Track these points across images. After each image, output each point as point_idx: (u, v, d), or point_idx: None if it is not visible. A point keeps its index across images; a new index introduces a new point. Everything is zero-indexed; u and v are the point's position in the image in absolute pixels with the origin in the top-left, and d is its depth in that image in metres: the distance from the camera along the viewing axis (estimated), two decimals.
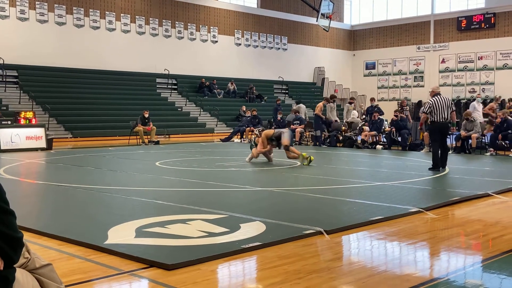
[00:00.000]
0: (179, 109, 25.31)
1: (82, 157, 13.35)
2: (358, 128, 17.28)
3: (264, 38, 31.55)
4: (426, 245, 4.57)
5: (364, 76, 35.46)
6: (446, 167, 10.21)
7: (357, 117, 18.60)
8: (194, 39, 28.19)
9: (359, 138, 17.00)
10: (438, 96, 10.12)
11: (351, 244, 4.71)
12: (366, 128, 16.94)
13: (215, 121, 25.35)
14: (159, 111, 23.95)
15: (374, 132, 16.42)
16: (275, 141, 11.75)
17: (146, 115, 18.89)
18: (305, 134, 19.05)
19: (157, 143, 18.40)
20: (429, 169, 10.07)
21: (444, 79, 32.19)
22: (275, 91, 31.68)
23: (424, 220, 5.61)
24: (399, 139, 15.95)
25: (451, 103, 10.07)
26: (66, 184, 8.01)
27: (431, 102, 10.02)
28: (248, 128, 19.63)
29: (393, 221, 5.49)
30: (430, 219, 5.66)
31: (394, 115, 16.33)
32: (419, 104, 30.29)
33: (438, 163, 10.00)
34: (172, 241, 4.46)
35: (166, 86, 26.73)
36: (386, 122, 17.05)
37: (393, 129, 15.92)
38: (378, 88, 34.68)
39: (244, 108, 24.32)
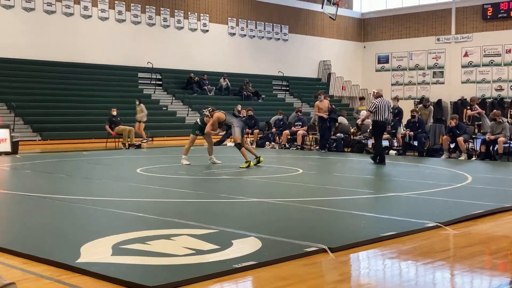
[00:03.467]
0: (164, 108, 25.33)
1: (52, 162, 13.33)
2: (368, 131, 17.32)
3: (262, 27, 31.64)
4: (445, 265, 4.59)
5: (376, 71, 35.58)
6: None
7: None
8: (182, 28, 28.25)
9: (369, 142, 17.04)
10: (381, 98, 12.88)
11: (360, 263, 4.72)
12: None
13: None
14: None
15: (387, 136, 16.46)
16: (225, 127, 12.08)
17: (114, 113, 18.90)
18: (308, 138, 19.09)
19: (138, 147, 18.41)
20: (375, 162, 12.77)
21: (467, 75, 32.32)
22: (274, 87, 31.73)
23: (443, 236, 5.62)
24: (415, 143, 16.00)
25: (390, 106, 13.19)
26: (33, 194, 8.01)
27: (377, 103, 12.67)
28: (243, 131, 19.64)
29: (408, 237, 5.51)
30: (449, 235, 5.68)
31: (411, 115, 16.38)
32: (439, 103, 30.32)
33: (384, 157, 12.93)
34: (154, 260, 4.46)
35: (149, 82, 26.75)
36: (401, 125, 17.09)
37: (409, 132, 15.96)
38: (392, 85, 34.79)
39: (238, 107, 24.28)
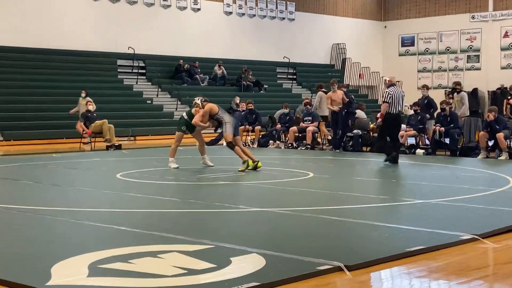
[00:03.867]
0: (148, 102, 25.35)
1: (17, 167, 13.34)
2: (376, 124, 17.32)
3: (264, 4, 31.65)
4: (483, 285, 4.59)
5: (400, 55, 35.56)
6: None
7: None
8: (169, 6, 28.27)
9: None
10: (394, 86, 13.44)
11: (382, 284, 4.72)
12: (402, 126, 16.96)
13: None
14: (121, 104, 23.96)
15: (413, 132, 16.46)
16: (216, 122, 12.17)
17: (90, 108, 18.86)
18: (319, 135, 19.07)
19: (118, 147, 18.42)
20: (386, 160, 13.22)
21: (507, 60, 32.30)
22: (278, 76, 31.71)
23: (480, 250, 5.62)
24: (447, 141, 16.00)
25: (403, 95, 13.49)
26: None
27: (391, 92, 13.10)
28: (243, 127, 19.67)
29: (439, 252, 5.51)
30: (488, 249, 5.68)
31: (441, 108, 16.39)
32: (475, 93, 30.33)
33: (392, 151, 13.27)
34: (139, 281, 4.46)
35: (130, 71, 26.74)
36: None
37: (439, 128, 15.96)
38: (419, 71, 34.79)
39: (237, 99, 24.29)
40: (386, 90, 13.67)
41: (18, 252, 5.46)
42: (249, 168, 11.82)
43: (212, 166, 12.61)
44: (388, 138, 13.66)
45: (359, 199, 8.76)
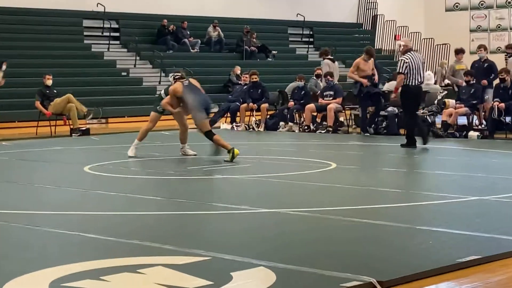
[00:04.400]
0: (123, 74, 25.35)
1: None
2: (436, 102, 17.27)
3: None
4: None
5: (447, 11, 35.41)
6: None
7: (434, 83, 18.59)
8: None
9: (438, 120, 16.98)
10: (411, 52, 13.88)
11: None
12: (451, 102, 16.92)
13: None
14: (88, 77, 23.91)
15: (464, 109, 16.41)
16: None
17: (49, 83, 18.89)
18: (343, 114, 19.03)
19: (85, 132, 18.44)
20: (402, 145, 13.61)
21: None
22: (291, 39, 31.63)
23: None
24: (507, 120, 15.94)
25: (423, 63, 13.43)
26: None
27: (406, 60, 13.55)
28: (245, 105, 19.66)
29: (498, 263, 5.50)
30: None
31: (500, 78, 16.31)
32: None
33: (414, 138, 13.60)
34: None
35: (100, 34, 26.70)
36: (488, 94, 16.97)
37: (498, 104, 15.90)
38: (471, 31, 34.64)
39: (237, 70, 24.30)
40: (401, 57, 14.04)
41: None
42: (236, 154, 11.79)
43: (195, 155, 12.62)
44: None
45: (395, 196, 8.76)
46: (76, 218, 7.49)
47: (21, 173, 11.29)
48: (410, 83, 13.59)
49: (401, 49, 14.26)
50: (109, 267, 5.28)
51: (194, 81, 12.57)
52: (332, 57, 19.97)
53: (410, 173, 11.15)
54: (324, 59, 19.93)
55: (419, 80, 13.76)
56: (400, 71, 13.74)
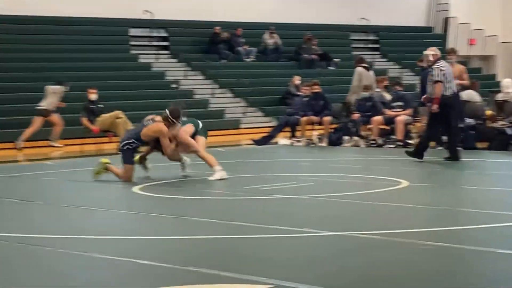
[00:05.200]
0: (173, 86, 25.49)
1: None
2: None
3: None
4: None
5: None
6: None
7: None
8: None
9: None
10: (442, 61, 14.43)
11: None
12: None
13: (242, 105, 25.39)
14: (135, 90, 24.09)
15: None
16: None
17: (93, 97, 19.10)
18: (414, 127, 18.86)
19: None
20: (408, 153, 14.66)
21: None
22: (354, 45, 31.56)
23: None
24: None
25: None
26: None
27: (443, 68, 14.02)
28: (306, 118, 19.61)
29: None
30: None
31: None
32: None
33: (424, 149, 14.53)
34: None
35: (148, 43, 26.93)
36: None
37: None
38: None
39: (296, 80, 24.29)
40: (434, 66, 14.16)
41: None
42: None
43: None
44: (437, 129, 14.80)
45: (474, 216, 8.64)
46: (126, 243, 7.51)
47: (65, 195, 11.39)
48: (445, 93, 13.99)
49: (430, 60, 14.40)
50: None
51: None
52: (367, 65, 19.94)
53: (491, 190, 10.95)
54: (357, 66, 19.93)
55: (453, 89, 14.24)
56: (438, 79, 13.99)
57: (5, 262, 6.73)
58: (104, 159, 12.42)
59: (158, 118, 12.21)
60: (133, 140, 12.12)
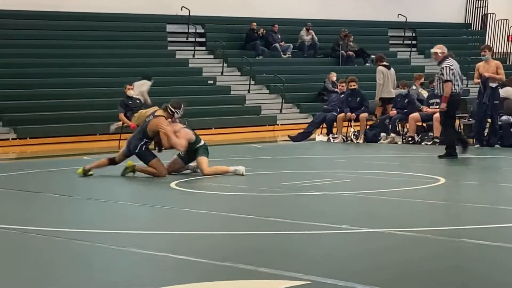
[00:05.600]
0: (209, 82, 25.54)
1: (36, 175, 13.63)
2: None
3: None
4: None
5: None
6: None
7: None
8: None
9: None
10: (450, 59, 14.51)
11: None
12: None
13: (279, 102, 25.39)
14: (172, 86, 24.18)
15: None
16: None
17: (130, 93, 19.20)
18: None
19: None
20: (440, 156, 14.42)
21: None
22: (391, 42, 31.43)
23: None
24: None
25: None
26: (8, 226, 8.14)
27: (452, 67, 14.26)
28: (342, 115, 19.56)
29: None
30: None
31: None
32: None
33: (455, 147, 14.53)
34: None
35: (185, 40, 27.00)
36: None
37: None
38: None
39: (333, 76, 24.25)
40: (442, 65, 14.38)
41: None
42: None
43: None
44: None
45: None
46: (165, 238, 7.54)
47: (104, 190, 11.46)
48: (455, 90, 14.44)
49: (438, 56, 14.59)
50: None
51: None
52: (387, 64, 19.84)
53: None
54: (378, 65, 19.89)
55: (461, 87, 14.79)
56: (447, 78, 14.24)
57: (44, 257, 6.79)
58: (130, 162, 12.46)
59: (159, 111, 12.26)
60: (145, 140, 12.21)
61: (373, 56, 28.66)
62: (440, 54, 14.54)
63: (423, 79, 20.58)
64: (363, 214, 8.87)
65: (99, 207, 9.84)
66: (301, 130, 20.47)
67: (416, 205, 9.35)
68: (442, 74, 14.36)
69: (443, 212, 8.89)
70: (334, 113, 19.92)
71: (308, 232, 7.61)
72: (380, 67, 19.63)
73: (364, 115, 19.43)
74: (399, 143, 18.52)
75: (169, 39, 26.81)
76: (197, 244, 7.18)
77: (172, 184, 11.42)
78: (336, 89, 21.95)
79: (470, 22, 33.73)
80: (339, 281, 5.48)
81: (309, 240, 7.34)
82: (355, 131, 19.54)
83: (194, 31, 27.08)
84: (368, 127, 19.70)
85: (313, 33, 28.41)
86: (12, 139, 20.38)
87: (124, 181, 12.33)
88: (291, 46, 28.16)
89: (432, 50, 14.84)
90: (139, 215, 9.15)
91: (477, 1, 33.58)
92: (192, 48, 26.89)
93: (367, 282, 5.43)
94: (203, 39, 27.42)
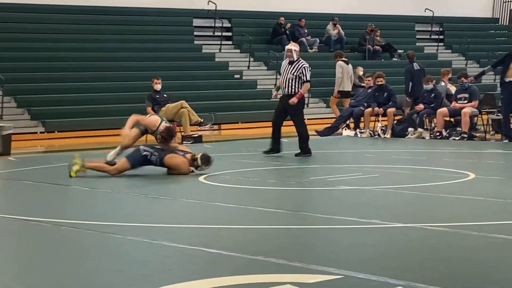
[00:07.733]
0: (236, 76, 25.57)
1: (64, 168, 13.66)
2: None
3: None
4: None
5: None
6: None
7: None
8: None
9: None
10: None
11: None
12: None
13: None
14: (199, 80, 24.24)
15: None
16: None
17: (158, 87, 19.24)
18: (479, 119, 18.67)
19: (197, 139, 18.65)
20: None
21: None
22: (418, 36, 31.34)
23: None
24: None
25: None
26: (40, 219, 8.23)
27: None
28: (370, 110, 19.53)
29: None
30: None
31: None
32: None
33: None
34: None
35: (211, 34, 27.04)
36: None
37: None
38: None
39: (360, 71, 24.14)
40: None
41: (73, 282, 5.58)
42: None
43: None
44: None
45: None
46: (196, 231, 7.58)
47: (133, 183, 11.50)
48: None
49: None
50: (234, 285, 5.29)
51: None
52: (346, 59, 21.25)
53: None
54: (337, 60, 21.06)
55: None
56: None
57: (77, 250, 6.85)
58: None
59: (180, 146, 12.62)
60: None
61: (400, 51, 28.74)
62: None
63: (450, 74, 20.48)
64: (393, 209, 8.86)
65: (129, 200, 9.91)
66: (328, 125, 20.43)
67: (445, 200, 9.33)
68: None
69: (472, 207, 8.84)
70: (361, 107, 19.91)
71: (339, 227, 7.64)
72: (339, 62, 20.84)
73: (391, 109, 19.41)
74: (427, 138, 18.47)
75: (195, 33, 26.88)
76: (228, 238, 7.21)
77: (201, 178, 11.46)
78: (362, 84, 21.90)
79: (498, 16, 33.55)
80: (371, 275, 5.48)
81: (340, 234, 7.35)
82: (382, 126, 19.53)
83: (220, 25, 27.13)
84: (395, 122, 19.68)
85: (340, 28, 28.38)
86: (40, 132, 20.55)
87: (152, 174, 12.36)
88: (318, 40, 28.17)
89: (287, 47, 15.01)
90: (169, 209, 9.20)
91: None
92: (219, 42, 26.94)
93: (399, 277, 5.43)
94: (229, 34, 27.47)
